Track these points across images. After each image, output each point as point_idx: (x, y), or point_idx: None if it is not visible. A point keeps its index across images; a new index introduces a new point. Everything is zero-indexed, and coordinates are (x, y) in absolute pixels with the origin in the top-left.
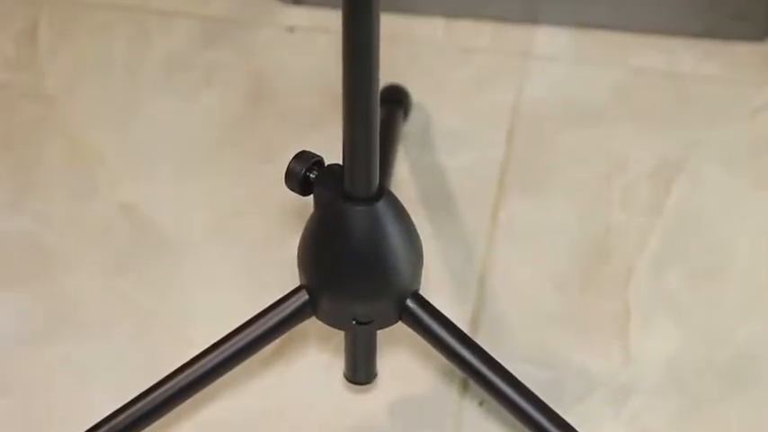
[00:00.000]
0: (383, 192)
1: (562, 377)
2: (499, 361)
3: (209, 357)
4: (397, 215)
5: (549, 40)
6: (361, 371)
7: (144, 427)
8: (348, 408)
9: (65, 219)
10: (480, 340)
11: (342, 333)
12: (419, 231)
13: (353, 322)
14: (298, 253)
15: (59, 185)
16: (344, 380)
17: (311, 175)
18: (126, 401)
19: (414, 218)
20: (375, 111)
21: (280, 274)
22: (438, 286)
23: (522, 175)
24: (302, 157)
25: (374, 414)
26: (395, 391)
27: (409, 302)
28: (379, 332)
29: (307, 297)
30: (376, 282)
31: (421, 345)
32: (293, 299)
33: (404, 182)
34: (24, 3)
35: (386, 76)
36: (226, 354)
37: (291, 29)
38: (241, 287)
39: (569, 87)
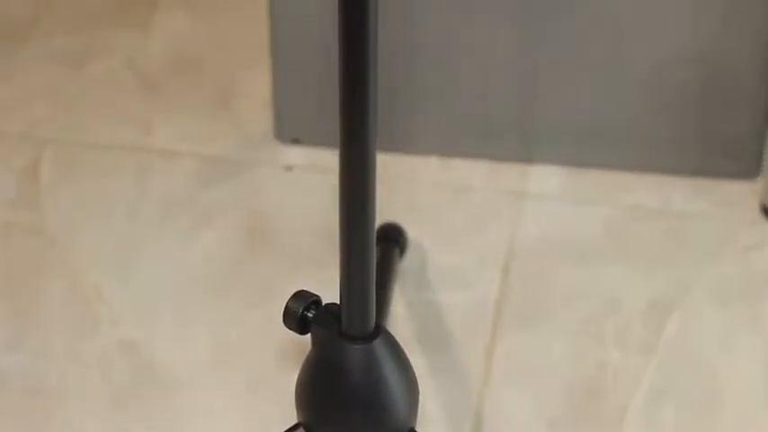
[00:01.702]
0: (380, 330)
1: None
2: None
3: None
4: (394, 353)
5: (543, 178)
6: None
7: None
8: None
9: (65, 357)
10: None
11: None
12: (415, 368)
13: None
14: (295, 391)
15: (60, 323)
16: None
17: (309, 314)
18: None
19: (410, 355)
20: (371, 250)
21: (278, 411)
22: (434, 423)
23: (517, 312)
24: (300, 296)
25: None
26: None
27: None
28: None
29: None
30: (372, 420)
31: None
32: None
33: (400, 319)
34: (27, 141)
35: (382, 215)
36: None
37: (289, 168)
38: (240, 425)
39: (563, 226)
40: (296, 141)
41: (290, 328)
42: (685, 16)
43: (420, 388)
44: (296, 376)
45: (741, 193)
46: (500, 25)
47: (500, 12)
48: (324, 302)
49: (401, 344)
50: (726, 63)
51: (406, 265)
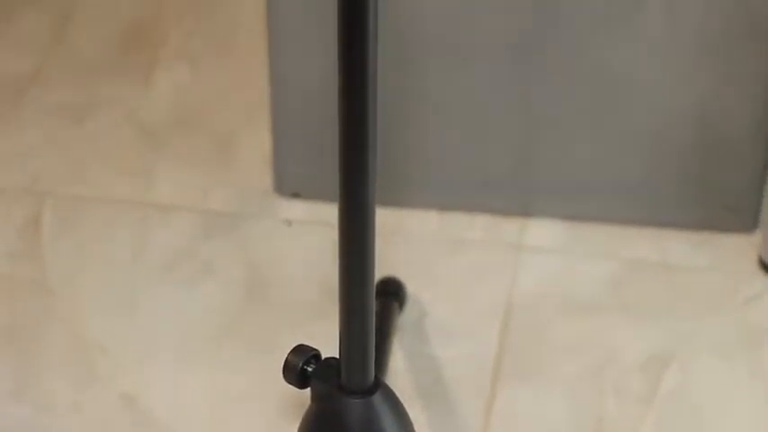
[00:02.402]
0: (379, 384)
1: None
2: None
3: None
4: (393, 407)
5: (542, 232)
6: None
7: None
8: None
9: (66, 409)
10: None
11: None
12: (414, 423)
13: None
14: None
15: (61, 376)
16: None
17: (308, 369)
18: None
19: (409, 409)
20: (370, 304)
21: None
22: None
23: (516, 366)
24: (299, 350)
25: None
26: None
27: None
28: None
29: None
30: None
31: None
32: None
33: (399, 373)
34: (28, 194)
35: (381, 269)
36: None
37: (289, 222)
38: None
39: (562, 279)
40: (296, 195)
41: (289, 383)
42: (685, 74)
43: None
44: (296, 430)
45: (740, 245)
46: (499, 80)
47: (499, 66)
48: (323, 356)
49: (400, 398)
50: (724, 119)
51: (405, 319)
